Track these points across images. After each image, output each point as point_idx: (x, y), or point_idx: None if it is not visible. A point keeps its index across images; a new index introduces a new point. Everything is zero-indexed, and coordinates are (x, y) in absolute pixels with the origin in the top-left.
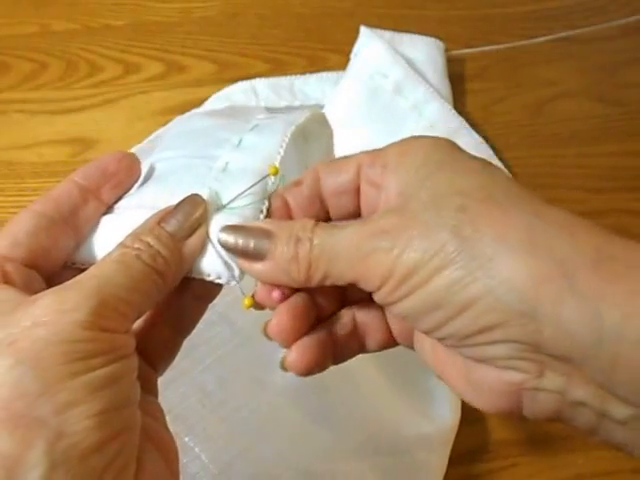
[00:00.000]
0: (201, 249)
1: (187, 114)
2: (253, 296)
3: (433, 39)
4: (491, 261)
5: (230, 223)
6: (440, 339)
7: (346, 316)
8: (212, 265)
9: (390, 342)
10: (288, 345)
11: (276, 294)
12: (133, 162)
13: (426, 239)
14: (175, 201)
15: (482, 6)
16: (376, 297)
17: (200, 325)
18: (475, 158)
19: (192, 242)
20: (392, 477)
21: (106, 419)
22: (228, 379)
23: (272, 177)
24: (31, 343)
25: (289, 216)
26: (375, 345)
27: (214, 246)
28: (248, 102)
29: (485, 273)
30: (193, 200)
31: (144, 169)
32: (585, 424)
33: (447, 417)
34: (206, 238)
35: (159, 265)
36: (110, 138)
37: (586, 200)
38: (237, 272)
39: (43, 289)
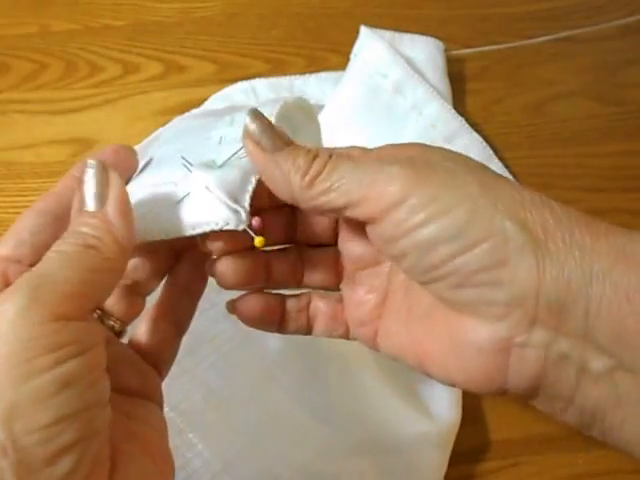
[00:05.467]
0: (124, 205)
1: (186, 114)
2: (263, 235)
3: (433, 39)
4: (509, 207)
5: (229, 176)
6: (439, 279)
7: (304, 297)
8: (219, 213)
9: (338, 332)
10: (227, 287)
11: (255, 221)
12: (130, 154)
13: (451, 175)
14: (173, 177)
15: (482, 6)
16: (381, 227)
17: (205, 323)
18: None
19: (110, 206)
20: (393, 475)
21: (57, 430)
22: (232, 376)
23: None
24: None
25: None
26: (322, 332)
27: (219, 197)
28: (248, 102)
29: (504, 214)
30: (87, 171)
31: (141, 164)
32: (565, 384)
33: (448, 416)
34: (122, 193)
35: (90, 240)
36: (110, 138)
37: (586, 200)
38: (244, 215)
39: None
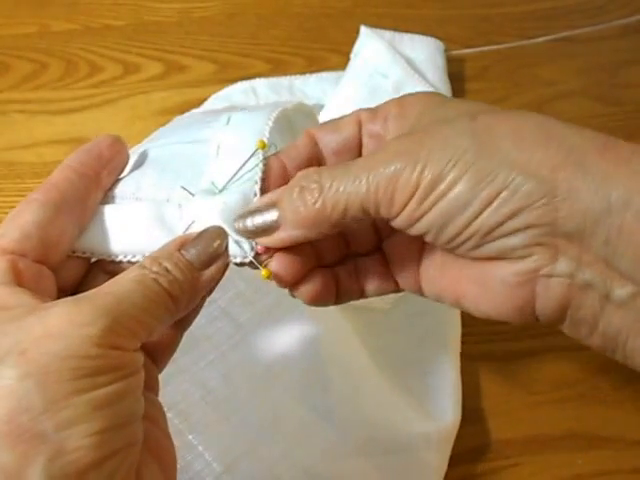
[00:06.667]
0: (218, 280)
1: (186, 114)
2: (266, 266)
3: (433, 39)
4: (509, 155)
5: (231, 204)
6: (460, 245)
7: (349, 263)
8: (229, 247)
9: (389, 288)
10: (285, 285)
11: (260, 249)
12: (123, 147)
13: (446, 148)
14: (174, 194)
15: (482, 6)
16: (399, 219)
17: (202, 321)
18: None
19: (209, 273)
20: (394, 476)
21: (107, 437)
22: (231, 376)
23: (260, 151)
24: (41, 355)
25: (285, 177)
26: (374, 292)
27: (224, 229)
28: (248, 102)
29: (505, 167)
30: (215, 232)
31: (135, 155)
32: (590, 310)
33: (448, 416)
34: (224, 269)
35: (175, 291)
36: None
37: None
38: (247, 247)
39: (52, 284)
